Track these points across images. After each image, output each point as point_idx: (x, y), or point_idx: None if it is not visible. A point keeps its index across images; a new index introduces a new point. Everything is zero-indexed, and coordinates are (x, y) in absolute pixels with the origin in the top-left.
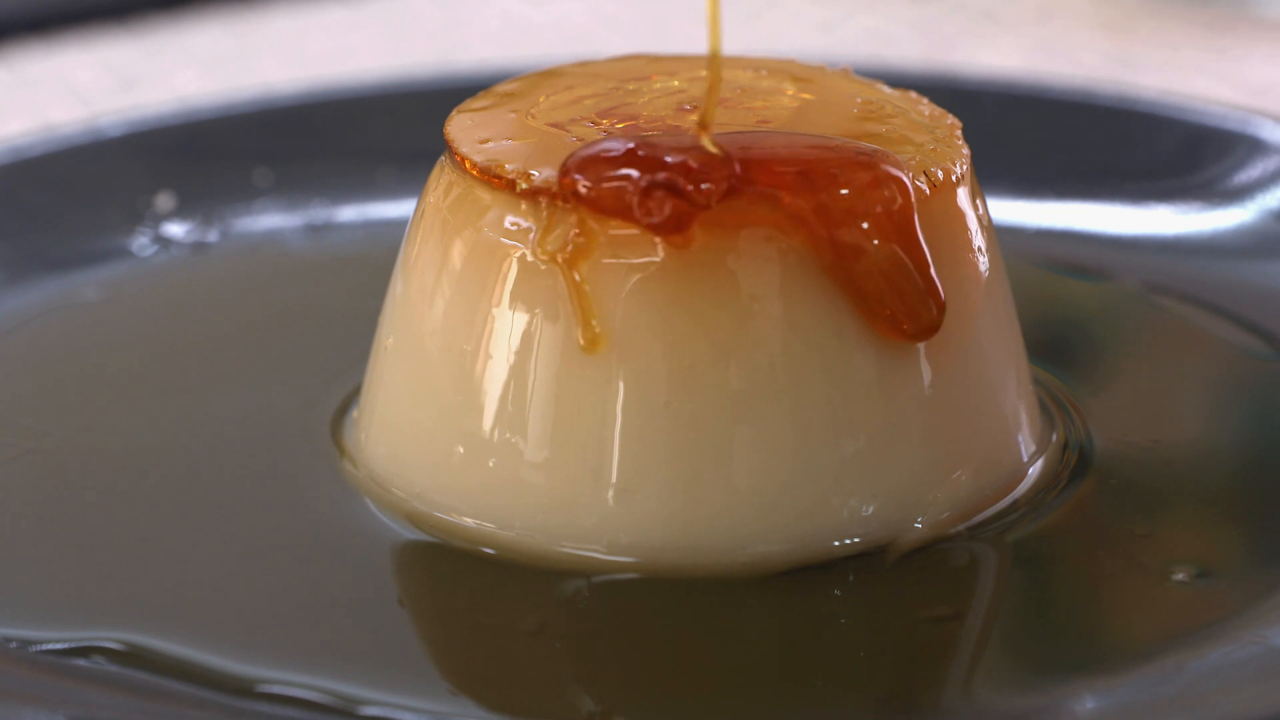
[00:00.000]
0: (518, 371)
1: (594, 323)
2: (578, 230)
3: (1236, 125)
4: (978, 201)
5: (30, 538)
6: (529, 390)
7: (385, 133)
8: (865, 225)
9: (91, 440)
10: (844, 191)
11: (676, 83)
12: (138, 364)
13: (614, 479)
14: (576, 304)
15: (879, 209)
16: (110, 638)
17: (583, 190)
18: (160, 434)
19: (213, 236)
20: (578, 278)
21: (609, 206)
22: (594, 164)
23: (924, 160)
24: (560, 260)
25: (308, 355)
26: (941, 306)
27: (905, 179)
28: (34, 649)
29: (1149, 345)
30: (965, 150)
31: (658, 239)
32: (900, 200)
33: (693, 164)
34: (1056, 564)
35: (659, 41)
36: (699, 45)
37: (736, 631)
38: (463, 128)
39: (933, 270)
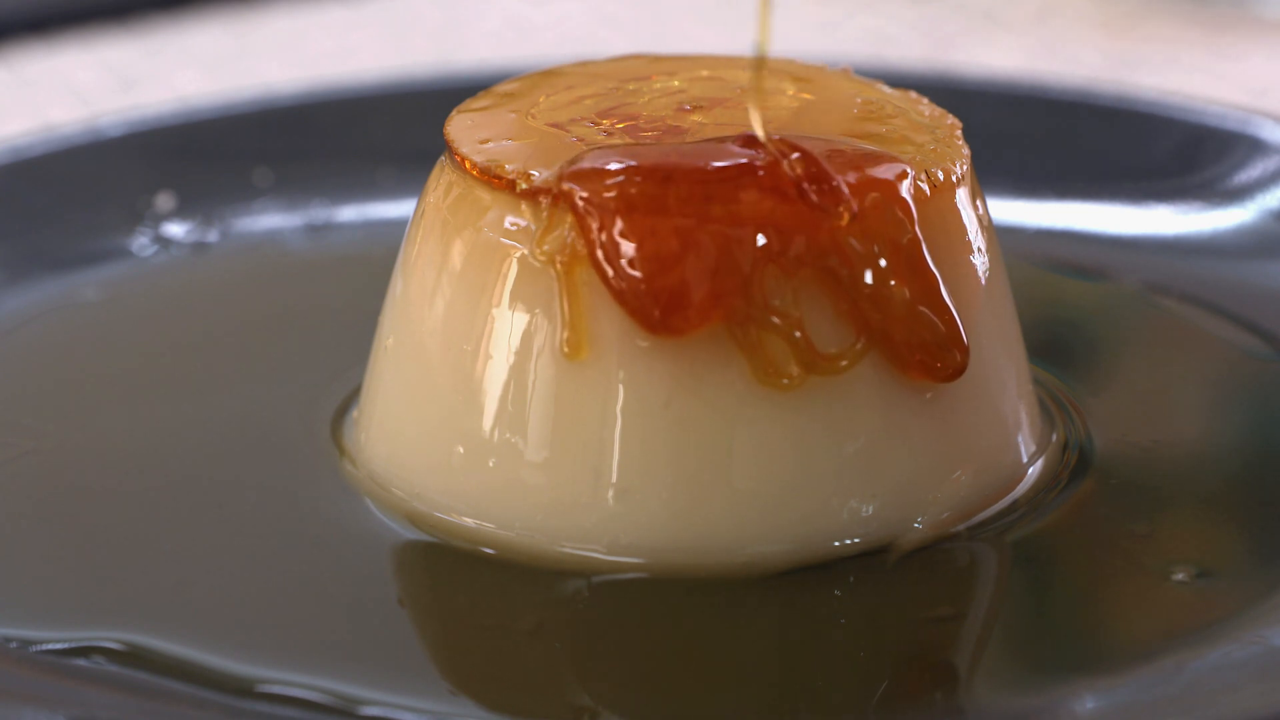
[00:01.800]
0: (518, 371)
1: (581, 330)
2: (577, 232)
3: (1236, 125)
4: (978, 202)
5: (30, 538)
6: (529, 390)
7: (385, 133)
8: (882, 261)
9: (91, 440)
10: (847, 196)
11: (676, 83)
12: (138, 364)
13: (614, 479)
14: (566, 308)
15: (888, 237)
16: (110, 638)
17: (579, 203)
18: (160, 434)
19: (213, 236)
20: (576, 280)
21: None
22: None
23: (924, 160)
24: (559, 263)
25: (308, 355)
26: (965, 351)
27: (909, 199)
28: (34, 649)
29: (1149, 345)
30: (965, 150)
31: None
32: (910, 234)
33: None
34: (1056, 564)
35: (659, 41)
36: (699, 45)
37: (736, 631)
38: (463, 128)
39: (957, 318)
